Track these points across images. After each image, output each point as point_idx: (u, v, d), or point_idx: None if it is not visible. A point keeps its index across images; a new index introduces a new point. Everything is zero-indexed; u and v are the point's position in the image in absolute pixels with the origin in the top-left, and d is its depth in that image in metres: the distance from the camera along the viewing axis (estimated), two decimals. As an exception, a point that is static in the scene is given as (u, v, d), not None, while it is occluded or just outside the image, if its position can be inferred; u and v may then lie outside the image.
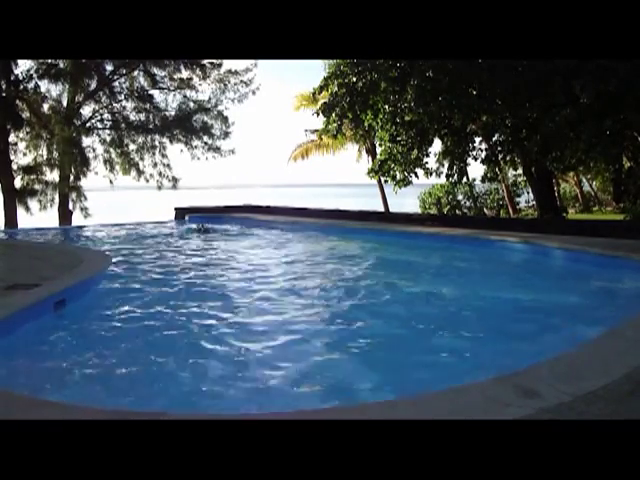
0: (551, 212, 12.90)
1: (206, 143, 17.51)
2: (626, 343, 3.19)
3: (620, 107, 9.67)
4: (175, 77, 17.07)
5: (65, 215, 16.20)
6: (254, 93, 17.67)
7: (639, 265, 6.36)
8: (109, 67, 16.21)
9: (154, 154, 17.35)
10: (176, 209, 15.33)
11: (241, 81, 17.36)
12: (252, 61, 17.40)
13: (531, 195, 16.79)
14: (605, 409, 2.19)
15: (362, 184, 30.08)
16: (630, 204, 12.28)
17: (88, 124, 16.59)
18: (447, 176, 13.36)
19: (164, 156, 17.45)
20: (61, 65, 15.09)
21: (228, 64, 17.65)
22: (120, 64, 16.07)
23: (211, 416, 2.40)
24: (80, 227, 13.76)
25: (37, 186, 15.80)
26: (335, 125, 13.19)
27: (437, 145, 13.86)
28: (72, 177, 15.99)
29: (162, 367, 3.72)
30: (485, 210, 19.44)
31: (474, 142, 13.46)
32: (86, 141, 16.50)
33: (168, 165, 17.55)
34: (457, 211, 19.36)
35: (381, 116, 13.16)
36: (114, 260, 7.39)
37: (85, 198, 16.49)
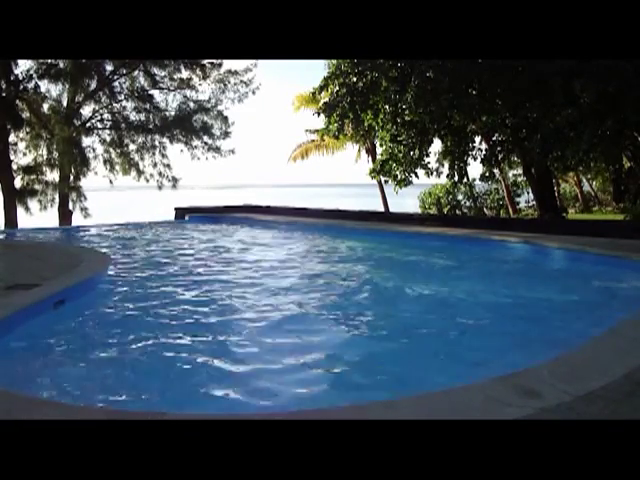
0: (551, 212, 12.91)
1: (206, 143, 17.52)
2: (626, 343, 3.19)
3: (620, 107, 9.68)
4: (175, 77, 17.08)
5: (65, 215, 16.20)
6: (254, 93, 17.68)
7: (639, 265, 6.37)
8: (109, 67, 16.22)
9: (154, 154, 17.37)
10: (176, 209, 15.33)
11: (241, 81, 17.37)
12: (252, 61, 17.43)
13: (531, 195, 16.81)
14: (605, 409, 2.19)
15: (362, 184, 30.11)
16: (630, 204, 12.30)
17: (88, 124, 16.59)
18: (448, 176, 13.38)
19: (164, 156, 17.46)
20: (61, 65, 15.10)
21: (228, 64, 17.68)
22: (120, 64, 16.07)
23: (211, 416, 2.40)
24: (80, 227, 13.75)
25: (37, 186, 15.81)
26: (336, 125, 13.20)
27: (437, 145, 13.91)
28: (72, 177, 15.99)
29: (162, 367, 3.72)
30: (485, 210, 19.45)
31: (474, 142, 13.49)
32: (86, 141, 16.54)
33: (168, 165, 17.56)
34: (457, 211, 19.36)
35: (382, 116, 13.17)
36: (114, 260, 7.39)
37: (85, 198, 16.50)
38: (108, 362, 3.78)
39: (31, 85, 15.04)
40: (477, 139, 13.63)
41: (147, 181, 17.56)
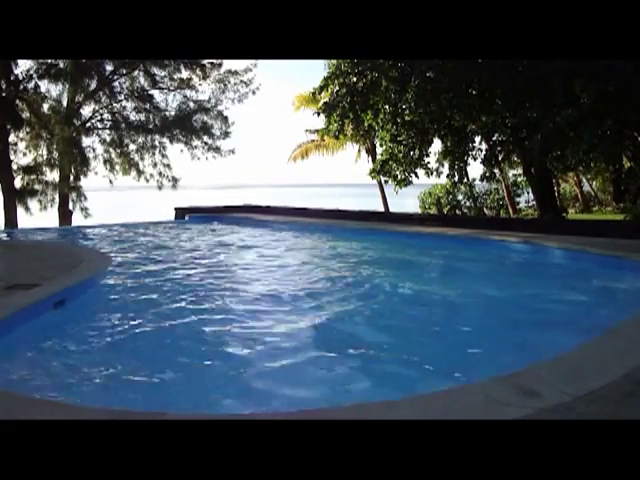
0: (551, 212, 12.91)
1: (206, 143, 17.53)
2: (626, 343, 3.19)
3: (620, 107, 9.68)
4: (175, 77, 17.10)
5: (65, 215, 16.21)
6: (254, 93, 17.70)
7: (638, 265, 6.37)
8: (109, 67, 16.23)
9: (154, 154, 17.38)
10: (176, 209, 15.33)
11: (241, 81, 17.39)
12: (252, 61, 17.44)
13: (531, 195, 16.80)
14: (605, 409, 2.19)
15: (362, 184, 30.11)
16: (630, 204, 12.29)
17: (88, 124, 16.60)
18: (448, 176, 13.38)
19: (164, 156, 17.48)
20: (61, 65, 15.10)
21: (228, 64, 17.70)
22: (120, 64, 16.08)
23: (211, 416, 2.40)
24: (80, 227, 13.76)
25: (37, 186, 15.82)
26: (336, 125, 13.20)
27: (437, 145, 13.91)
28: (72, 177, 16.00)
29: (162, 366, 3.72)
30: (485, 210, 19.43)
31: (474, 142, 13.48)
32: (86, 141, 16.56)
33: (168, 165, 17.58)
34: (457, 211, 19.35)
35: (382, 116, 13.17)
36: (114, 260, 7.39)
37: (85, 198, 16.50)
38: (108, 362, 3.78)
39: (31, 85, 15.06)
40: (477, 139, 13.64)
41: (147, 181, 17.58)
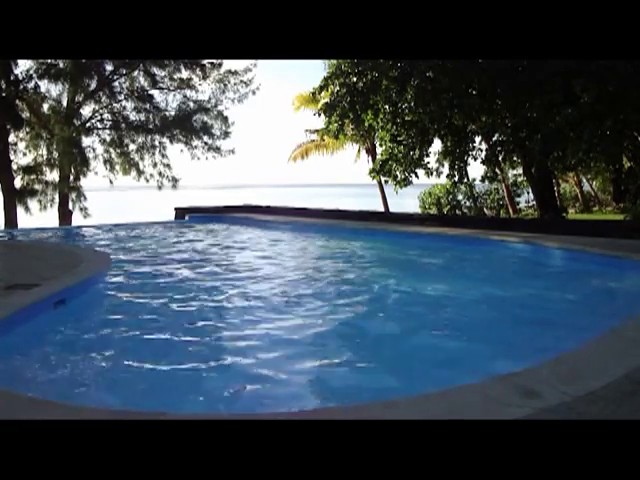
0: (551, 212, 12.90)
1: (206, 143, 17.55)
2: (626, 343, 3.19)
3: (620, 107, 9.68)
4: (175, 77, 17.12)
5: (65, 215, 16.22)
6: (254, 93, 17.72)
7: (639, 265, 6.37)
8: (109, 67, 16.26)
9: (154, 154, 17.40)
10: (176, 209, 15.33)
11: (241, 81, 17.41)
12: (252, 61, 17.46)
13: (531, 195, 16.80)
14: (605, 409, 2.19)
15: (362, 184, 30.08)
16: (630, 204, 12.28)
17: (88, 124, 16.62)
18: (448, 176, 13.38)
19: (164, 156, 17.50)
20: (61, 65, 15.11)
21: (228, 64, 17.72)
22: (120, 64, 16.10)
23: (211, 416, 2.40)
24: (80, 227, 13.75)
25: (37, 186, 15.85)
26: (336, 125, 13.20)
27: (437, 145, 13.90)
28: (72, 177, 16.01)
29: (161, 366, 3.72)
30: (485, 210, 19.44)
31: (474, 142, 13.48)
32: (86, 141, 16.58)
33: (168, 165, 17.59)
34: (457, 211, 19.36)
35: (382, 116, 13.17)
36: (114, 259, 7.39)
37: (85, 198, 16.51)
38: (108, 362, 3.78)
39: (31, 85, 15.08)
40: (477, 139, 13.63)
41: (147, 181, 17.60)
